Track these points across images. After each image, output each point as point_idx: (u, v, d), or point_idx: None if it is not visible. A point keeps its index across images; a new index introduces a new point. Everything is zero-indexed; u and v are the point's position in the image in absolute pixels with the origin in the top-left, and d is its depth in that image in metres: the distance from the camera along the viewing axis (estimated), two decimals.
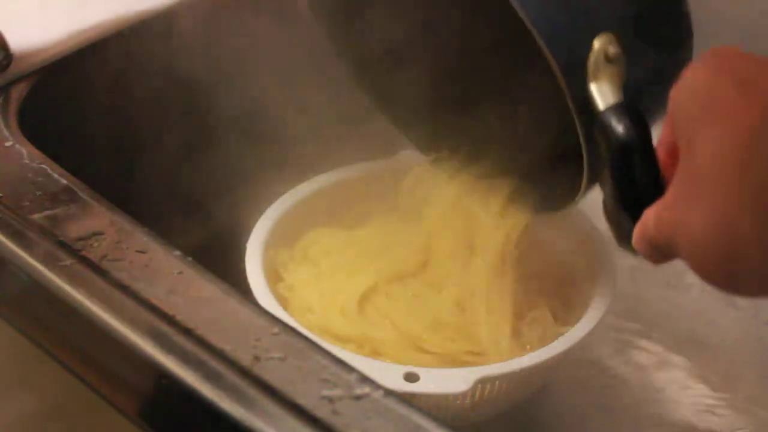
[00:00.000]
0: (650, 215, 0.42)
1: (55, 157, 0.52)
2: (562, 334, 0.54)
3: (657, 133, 0.45)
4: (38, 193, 0.49)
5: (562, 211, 0.56)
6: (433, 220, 0.63)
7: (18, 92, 0.57)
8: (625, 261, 0.68)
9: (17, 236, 0.47)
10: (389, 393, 0.39)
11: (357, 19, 0.60)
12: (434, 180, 0.63)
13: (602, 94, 0.46)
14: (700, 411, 0.60)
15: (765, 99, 0.37)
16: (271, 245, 0.59)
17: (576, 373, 0.61)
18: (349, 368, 0.40)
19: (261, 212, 0.61)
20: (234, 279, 0.52)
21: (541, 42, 0.46)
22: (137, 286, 0.44)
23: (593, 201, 0.73)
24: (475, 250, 0.62)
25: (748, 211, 0.36)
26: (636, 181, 0.44)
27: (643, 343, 0.63)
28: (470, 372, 0.51)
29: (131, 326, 0.42)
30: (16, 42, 0.57)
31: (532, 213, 0.58)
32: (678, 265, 0.68)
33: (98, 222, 0.47)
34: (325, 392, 0.39)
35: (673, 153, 0.41)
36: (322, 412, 0.38)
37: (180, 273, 0.45)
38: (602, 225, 0.66)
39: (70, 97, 0.59)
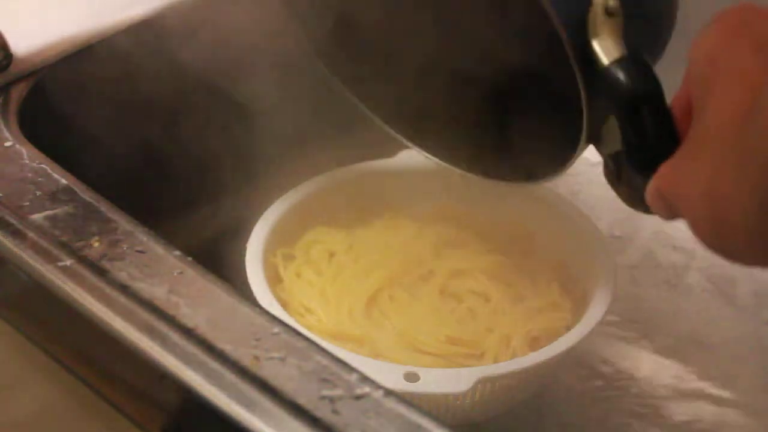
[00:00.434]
0: (665, 169, 0.41)
1: (55, 157, 0.52)
2: (562, 334, 0.54)
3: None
4: (38, 193, 0.49)
5: (551, 178, 0.55)
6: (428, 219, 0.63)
7: (18, 92, 0.57)
8: (625, 261, 0.69)
9: (17, 236, 0.47)
10: (389, 393, 0.39)
11: None
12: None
13: (605, 49, 0.45)
14: (700, 411, 0.60)
15: None
16: (271, 245, 0.59)
17: (576, 373, 0.61)
18: (349, 368, 0.40)
19: (261, 212, 0.61)
20: (234, 279, 0.52)
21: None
22: (137, 286, 0.44)
23: (593, 201, 0.73)
24: (474, 250, 0.62)
25: (735, 173, 0.36)
26: (648, 135, 0.43)
27: (643, 343, 0.63)
28: (470, 372, 0.51)
29: (131, 326, 0.42)
30: (16, 42, 0.57)
31: (524, 181, 0.57)
32: (678, 265, 0.68)
33: (98, 222, 0.47)
34: (325, 392, 0.39)
35: (689, 111, 0.41)
36: (322, 412, 0.38)
37: (180, 273, 0.45)
38: (602, 225, 0.67)
39: (70, 97, 0.59)
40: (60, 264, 0.45)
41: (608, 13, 0.45)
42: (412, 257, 0.62)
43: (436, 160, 0.61)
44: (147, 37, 0.62)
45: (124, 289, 0.44)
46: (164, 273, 0.45)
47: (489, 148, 0.60)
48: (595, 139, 0.48)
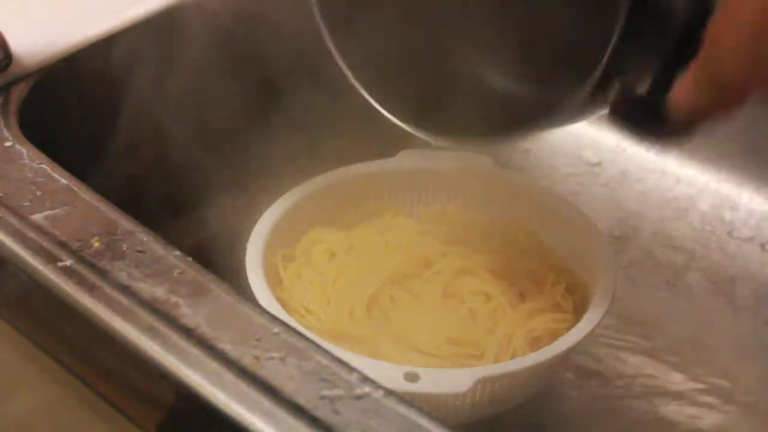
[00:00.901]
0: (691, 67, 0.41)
1: (55, 157, 0.52)
2: (563, 335, 0.54)
3: None
4: (38, 193, 0.49)
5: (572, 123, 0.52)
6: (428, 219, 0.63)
7: (18, 92, 0.57)
8: (625, 261, 0.69)
9: (17, 236, 0.47)
10: (389, 393, 0.39)
11: None
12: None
13: None
14: (700, 411, 0.60)
15: None
16: (271, 245, 0.59)
17: (575, 373, 0.61)
18: (349, 368, 0.40)
19: (261, 212, 0.61)
20: (234, 279, 0.52)
21: None
22: (137, 286, 0.44)
23: (593, 201, 0.73)
24: (475, 250, 0.62)
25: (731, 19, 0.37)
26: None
27: (643, 343, 0.63)
28: (470, 372, 0.51)
29: (131, 326, 0.42)
30: (16, 42, 0.57)
31: (538, 132, 0.55)
32: (678, 265, 0.68)
33: (98, 222, 0.47)
34: (325, 392, 0.39)
35: None
36: (322, 412, 0.38)
37: (180, 273, 0.45)
38: (602, 225, 0.67)
39: (70, 97, 0.59)
40: (60, 264, 0.45)
41: None
42: (412, 257, 0.62)
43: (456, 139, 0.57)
44: (147, 36, 0.62)
45: (124, 289, 0.44)
46: (164, 273, 0.45)
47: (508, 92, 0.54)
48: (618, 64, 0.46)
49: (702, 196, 0.72)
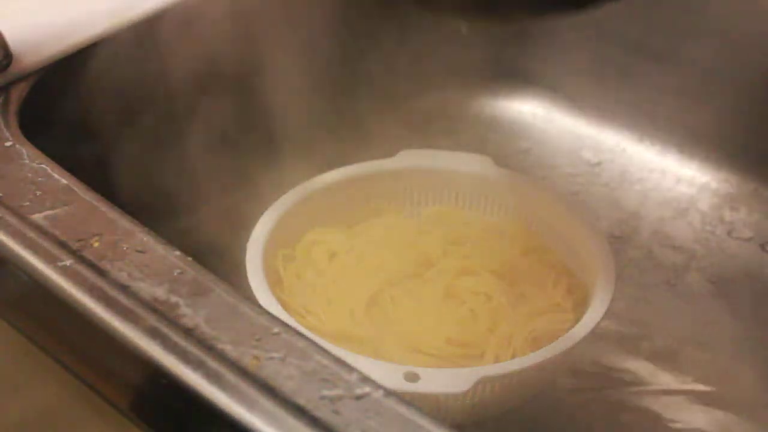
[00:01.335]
0: None
1: (55, 157, 0.52)
2: (562, 334, 0.54)
3: None
4: (38, 193, 0.49)
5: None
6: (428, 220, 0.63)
7: (18, 92, 0.57)
8: (625, 261, 0.69)
9: (17, 236, 0.47)
10: (389, 393, 0.39)
11: None
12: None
13: None
14: (700, 411, 0.60)
15: None
16: (271, 245, 0.59)
17: (575, 374, 0.61)
18: (349, 368, 0.40)
19: (261, 212, 0.61)
20: (234, 279, 0.52)
21: None
22: (137, 286, 0.44)
23: (593, 201, 0.73)
24: (475, 250, 0.62)
25: None
26: None
27: (643, 343, 0.63)
28: (470, 372, 0.51)
29: (131, 326, 0.42)
30: (16, 42, 0.57)
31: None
32: (678, 265, 0.68)
33: (98, 222, 0.47)
34: (325, 392, 0.39)
35: None
36: (322, 412, 0.38)
37: (180, 273, 0.45)
38: (602, 225, 0.67)
39: (70, 97, 0.59)
40: (60, 264, 0.45)
41: None
42: (413, 257, 0.62)
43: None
44: (147, 36, 0.62)
45: (124, 289, 0.44)
46: (164, 273, 0.45)
47: None
48: None
49: (702, 196, 0.72)
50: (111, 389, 0.46)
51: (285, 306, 0.56)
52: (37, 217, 0.47)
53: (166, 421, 0.44)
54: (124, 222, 0.47)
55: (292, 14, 0.67)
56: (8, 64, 0.57)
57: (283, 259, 0.60)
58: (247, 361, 0.40)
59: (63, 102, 0.59)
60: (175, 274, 0.45)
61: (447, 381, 0.51)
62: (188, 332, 0.42)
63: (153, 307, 0.43)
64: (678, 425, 0.59)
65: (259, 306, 0.47)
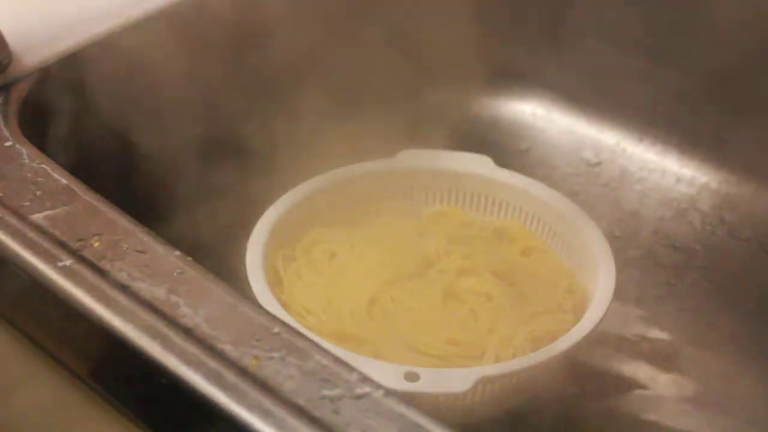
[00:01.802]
0: None
1: (55, 157, 0.52)
2: (562, 334, 0.54)
3: None
4: (38, 193, 0.49)
5: None
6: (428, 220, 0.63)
7: (18, 92, 0.57)
8: (625, 261, 0.69)
9: (17, 236, 0.47)
10: (389, 393, 0.39)
11: None
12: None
13: None
14: (700, 412, 0.60)
15: None
16: (271, 245, 0.59)
17: (575, 374, 0.61)
18: (349, 368, 0.40)
19: (261, 212, 0.61)
20: (234, 279, 0.52)
21: None
22: (137, 286, 0.44)
23: (593, 201, 0.73)
24: (476, 250, 0.62)
25: None
26: None
27: (643, 343, 0.63)
28: (470, 372, 0.51)
29: (131, 326, 0.42)
30: (16, 42, 0.57)
31: None
32: (678, 265, 0.68)
33: (98, 222, 0.47)
34: (325, 392, 0.39)
35: None
36: (322, 412, 0.38)
37: (180, 273, 0.45)
38: (602, 225, 0.66)
39: (70, 97, 0.59)
40: (60, 264, 0.45)
41: None
42: (413, 258, 0.61)
43: None
44: (147, 36, 0.62)
45: (124, 289, 0.44)
46: (164, 273, 0.45)
47: None
48: None
49: (702, 196, 0.72)
50: (111, 389, 0.46)
51: (285, 306, 0.56)
52: (37, 217, 0.47)
53: (166, 421, 0.44)
54: (124, 222, 0.47)
55: (292, 14, 0.67)
56: (8, 64, 0.57)
57: (283, 259, 0.60)
58: (247, 361, 0.40)
59: (63, 102, 0.59)
60: (175, 274, 0.45)
61: (447, 381, 0.51)
62: (188, 332, 0.42)
63: (153, 307, 0.43)
64: (678, 425, 0.59)
65: (259, 306, 0.47)
